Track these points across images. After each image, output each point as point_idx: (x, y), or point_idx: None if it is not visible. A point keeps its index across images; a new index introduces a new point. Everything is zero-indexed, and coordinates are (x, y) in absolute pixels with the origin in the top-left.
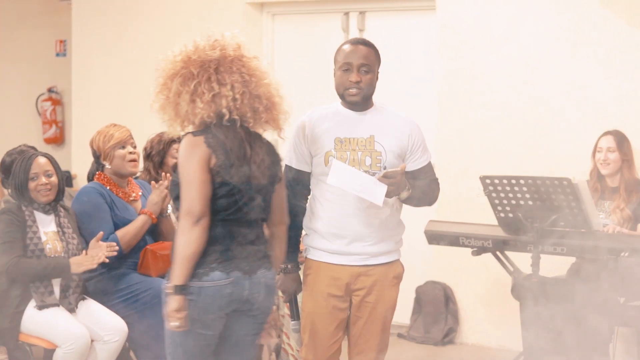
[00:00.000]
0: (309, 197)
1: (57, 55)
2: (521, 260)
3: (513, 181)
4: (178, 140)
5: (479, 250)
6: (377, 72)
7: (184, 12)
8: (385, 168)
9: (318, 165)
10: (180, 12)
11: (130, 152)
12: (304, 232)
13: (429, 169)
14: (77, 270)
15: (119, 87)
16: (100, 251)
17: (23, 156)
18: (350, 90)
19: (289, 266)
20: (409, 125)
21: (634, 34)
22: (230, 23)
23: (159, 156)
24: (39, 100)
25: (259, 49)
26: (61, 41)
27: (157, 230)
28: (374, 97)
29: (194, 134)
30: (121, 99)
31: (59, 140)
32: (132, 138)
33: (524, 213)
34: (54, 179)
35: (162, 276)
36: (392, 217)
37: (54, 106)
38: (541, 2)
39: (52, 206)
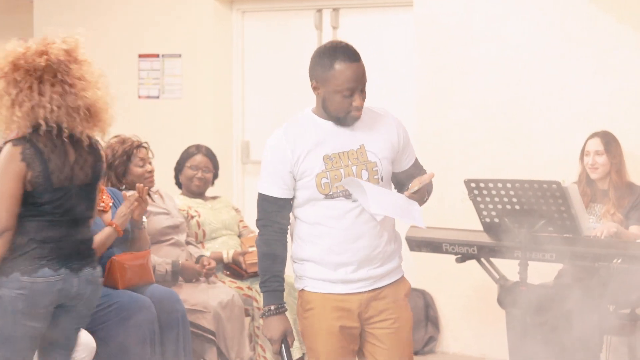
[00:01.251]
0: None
1: None
2: (505, 267)
3: (499, 185)
4: (143, 146)
5: (463, 257)
6: None
7: (150, 9)
8: (382, 179)
9: (308, 188)
10: (146, 9)
11: None
12: (293, 264)
13: (417, 161)
14: None
15: None
16: None
17: None
18: (353, 113)
19: (272, 308)
20: (393, 122)
21: (624, 32)
22: (198, 20)
23: (123, 166)
24: None
25: (228, 47)
26: (23, 40)
27: (130, 243)
28: None
29: (14, 142)
30: None
31: None
32: None
33: (511, 218)
34: None
35: (131, 288)
36: (393, 232)
37: None
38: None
39: None
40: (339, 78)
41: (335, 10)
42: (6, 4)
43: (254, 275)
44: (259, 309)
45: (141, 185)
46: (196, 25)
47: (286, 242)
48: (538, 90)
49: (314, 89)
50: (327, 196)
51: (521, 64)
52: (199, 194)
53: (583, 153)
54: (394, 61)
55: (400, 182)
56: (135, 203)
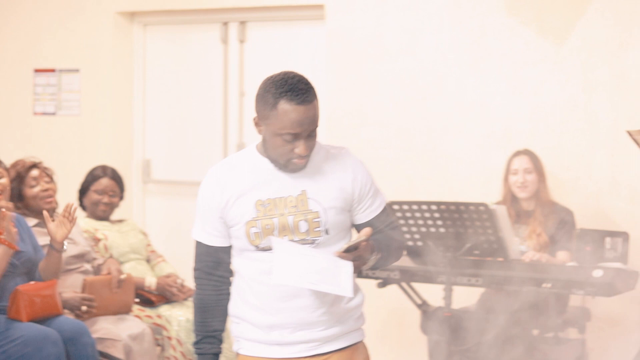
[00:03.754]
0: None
1: None
2: (425, 291)
3: (424, 207)
4: (36, 166)
5: (384, 282)
6: None
7: (47, 20)
8: (327, 232)
9: (238, 238)
10: (43, 20)
11: None
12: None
13: (385, 214)
14: None
15: None
16: None
17: None
18: (295, 161)
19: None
20: (351, 166)
21: (543, 45)
22: (97, 33)
23: (16, 189)
24: None
25: (129, 62)
26: None
27: (45, 267)
28: None
29: None
30: None
31: None
32: None
33: (436, 241)
34: None
35: (37, 321)
36: None
37: None
38: (442, 13)
39: None
40: (282, 120)
41: (242, 23)
42: None
43: (165, 302)
44: (169, 338)
45: (71, 203)
46: (95, 38)
47: (227, 296)
48: (455, 106)
49: (255, 124)
50: (258, 248)
51: (437, 80)
52: (104, 218)
53: (508, 172)
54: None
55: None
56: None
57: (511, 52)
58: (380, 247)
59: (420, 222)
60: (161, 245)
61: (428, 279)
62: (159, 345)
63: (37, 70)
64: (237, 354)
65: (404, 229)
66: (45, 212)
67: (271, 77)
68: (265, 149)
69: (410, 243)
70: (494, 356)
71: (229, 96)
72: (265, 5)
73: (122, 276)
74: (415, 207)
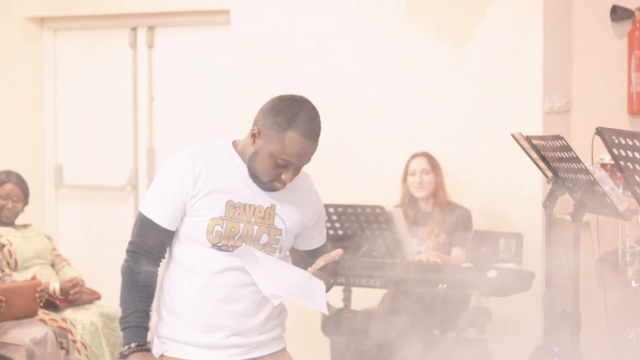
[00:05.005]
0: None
1: None
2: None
3: None
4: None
5: None
6: None
7: None
8: (280, 251)
9: (197, 230)
10: None
11: None
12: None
13: (325, 245)
14: None
15: None
16: None
17: None
18: (277, 184)
19: (133, 345)
20: (314, 194)
21: (442, 50)
22: (7, 38)
23: None
24: None
25: (39, 66)
26: None
27: None
28: None
29: None
30: None
31: None
32: None
33: (335, 243)
34: None
35: None
36: (280, 303)
37: None
38: (347, 17)
39: None
40: (285, 147)
41: (151, 28)
42: None
43: (69, 305)
44: (74, 341)
45: None
46: (5, 43)
47: (156, 276)
48: (360, 110)
49: (253, 135)
50: (214, 246)
51: (342, 84)
52: (8, 223)
53: (407, 173)
54: (212, 81)
55: (298, 260)
56: None
57: (413, 56)
58: (336, 271)
59: None
60: (74, 250)
61: None
62: (63, 348)
63: None
64: (161, 356)
65: None
66: None
67: (287, 97)
68: (251, 160)
69: None
70: (396, 357)
71: (138, 101)
72: (173, 11)
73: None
74: None
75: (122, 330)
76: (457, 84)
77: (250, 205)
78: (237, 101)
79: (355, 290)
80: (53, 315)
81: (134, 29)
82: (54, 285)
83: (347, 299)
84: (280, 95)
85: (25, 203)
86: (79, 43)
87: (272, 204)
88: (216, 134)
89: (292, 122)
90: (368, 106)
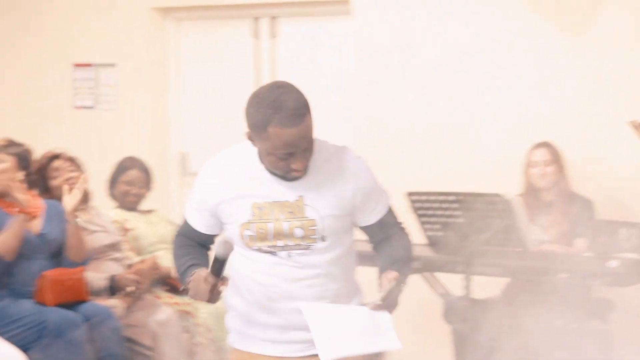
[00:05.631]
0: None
1: None
2: (451, 281)
3: (442, 197)
4: (58, 157)
5: None
6: None
7: (84, 16)
8: (323, 239)
9: (232, 236)
10: (80, 16)
11: None
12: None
13: (390, 214)
14: None
15: (16, 96)
16: None
17: None
18: (293, 174)
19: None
20: (352, 171)
21: (564, 39)
22: (133, 28)
23: (42, 180)
24: None
25: (164, 56)
26: None
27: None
28: None
29: None
30: (19, 110)
31: None
32: None
33: (455, 231)
34: None
35: (62, 305)
36: (345, 288)
37: None
38: (465, 7)
39: None
40: (273, 142)
41: (274, 18)
42: None
43: None
44: (197, 324)
45: (84, 175)
46: (131, 33)
47: (205, 253)
48: (479, 98)
49: (248, 138)
50: (254, 249)
51: (462, 73)
52: (132, 209)
53: (528, 164)
54: (334, 70)
55: (370, 234)
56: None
57: (533, 46)
58: (402, 269)
59: (439, 212)
60: None
61: (449, 268)
62: (186, 332)
63: (76, 65)
64: (230, 347)
65: (423, 219)
66: (65, 186)
67: (259, 92)
68: (261, 160)
69: (430, 233)
70: (517, 346)
71: None
72: (296, 1)
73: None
74: (433, 197)
75: (181, 280)
76: (577, 73)
77: (275, 203)
78: (358, 90)
79: (475, 279)
80: (176, 298)
81: (256, 19)
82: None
83: (466, 287)
84: (250, 96)
85: (149, 189)
86: (202, 33)
87: (299, 196)
88: (334, 128)
89: (267, 117)
90: (488, 94)
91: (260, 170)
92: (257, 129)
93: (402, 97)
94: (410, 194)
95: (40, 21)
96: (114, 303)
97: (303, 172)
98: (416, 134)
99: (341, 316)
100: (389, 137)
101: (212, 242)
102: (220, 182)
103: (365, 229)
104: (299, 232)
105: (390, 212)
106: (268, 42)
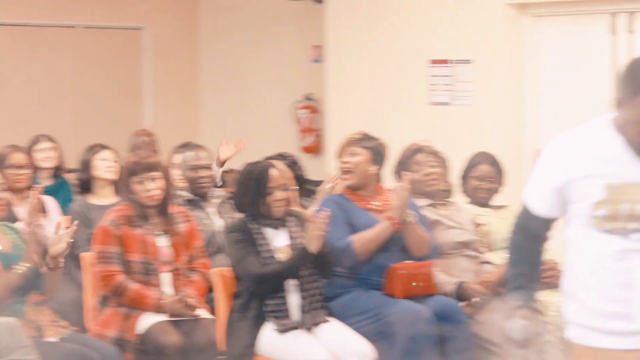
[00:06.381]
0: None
1: (314, 61)
2: None
3: None
4: (420, 150)
5: None
6: None
7: (440, 14)
8: None
9: (581, 217)
10: (436, 14)
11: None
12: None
13: None
14: (314, 247)
15: (374, 92)
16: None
17: (256, 168)
18: None
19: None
20: None
21: None
22: (489, 25)
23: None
24: (295, 108)
25: (520, 53)
26: (317, 47)
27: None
28: None
29: None
30: (376, 105)
31: (316, 148)
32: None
33: None
34: (290, 193)
35: (410, 297)
36: None
37: (311, 114)
38: None
39: (281, 221)
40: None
41: (632, 14)
42: (296, 10)
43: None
44: (546, 323)
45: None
46: (487, 30)
47: (541, 247)
48: None
49: (618, 104)
50: (604, 231)
51: None
52: (483, 204)
53: None
54: None
55: None
56: (406, 194)
57: None
58: None
59: None
60: None
61: None
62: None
63: (433, 61)
64: (572, 343)
65: None
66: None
67: (636, 60)
68: (624, 133)
69: None
70: None
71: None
72: None
73: None
74: None
75: (511, 291)
76: None
77: (631, 185)
78: None
79: None
80: None
81: (614, 14)
82: None
83: None
84: (632, 60)
85: (501, 184)
86: (558, 29)
87: None
88: None
89: None
90: None
91: (616, 146)
92: (633, 94)
93: None
94: None
95: (398, 18)
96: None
97: None
98: None
99: None
100: None
101: (548, 228)
102: (572, 160)
103: None
104: None
105: None
106: (625, 38)
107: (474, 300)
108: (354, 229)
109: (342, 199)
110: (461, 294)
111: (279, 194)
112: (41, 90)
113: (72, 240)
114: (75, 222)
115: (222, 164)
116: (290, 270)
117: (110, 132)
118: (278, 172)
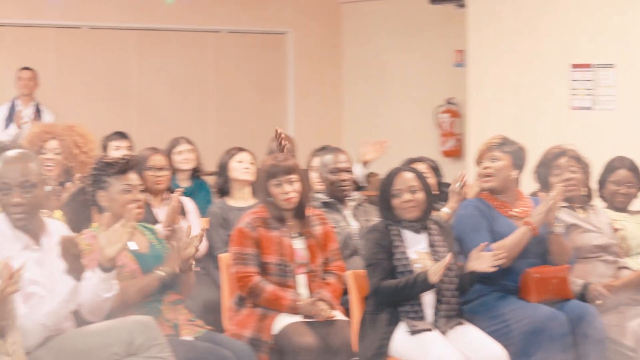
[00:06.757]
0: None
1: (456, 65)
2: None
3: None
4: (564, 154)
5: None
6: None
7: (583, 17)
8: None
9: None
10: (579, 17)
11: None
12: None
13: None
14: (435, 280)
15: (515, 97)
16: (483, 262)
17: (389, 172)
18: None
19: None
20: None
21: None
22: (630, 28)
23: (544, 175)
24: (437, 112)
25: None
26: (459, 51)
27: (547, 250)
28: None
29: None
30: (517, 110)
31: (457, 152)
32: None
33: None
34: (419, 195)
35: (546, 302)
36: None
37: (452, 118)
38: None
39: (422, 224)
40: None
41: None
42: (438, 14)
43: None
44: None
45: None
46: (630, 34)
47: None
48: None
49: None
50: None
51: None
52: (621, 208)
53: None
54: None
55: None
56: (552, 202)
57: None
58: None
59: None
60: None
61: None
62: None
63: (574, 66)
64: None
65: None
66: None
67: None
68: None
69: None
70: None
71: None
72: None
73: None
74: None
75: None
76: None
77: None
78: None
79: None
80: None
81: None
82: None
83: None
84: None
85: (639, 189)
86: None
87: None
88: None
89: None
90: None
91: None
92: None
93: None
94: None
95: (540, 22)
96: None
97: None
98: None
99: None
100: None
101: None
102: None
103: None
104: None
105: None
106: None
107: (597, 302)
108: (494, 236)
109: (482, 204)
110: (585, 296)
111: (406, 196)
112: (185, 93)
113: (199, 244)
114: (203, 227)
115: (366, 165)
116: (404, 292)
117: (252, 135)
118: (405, 175)
